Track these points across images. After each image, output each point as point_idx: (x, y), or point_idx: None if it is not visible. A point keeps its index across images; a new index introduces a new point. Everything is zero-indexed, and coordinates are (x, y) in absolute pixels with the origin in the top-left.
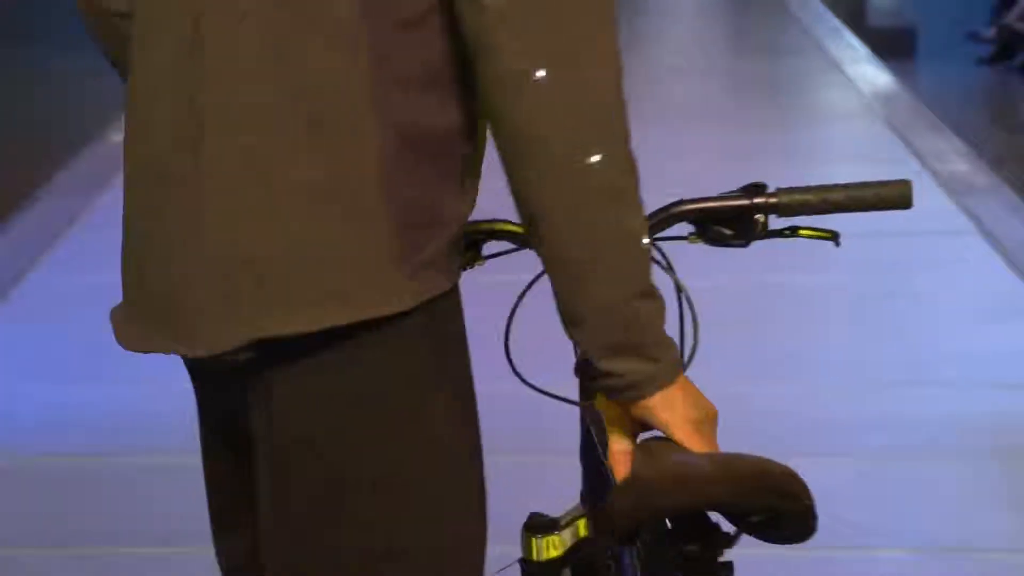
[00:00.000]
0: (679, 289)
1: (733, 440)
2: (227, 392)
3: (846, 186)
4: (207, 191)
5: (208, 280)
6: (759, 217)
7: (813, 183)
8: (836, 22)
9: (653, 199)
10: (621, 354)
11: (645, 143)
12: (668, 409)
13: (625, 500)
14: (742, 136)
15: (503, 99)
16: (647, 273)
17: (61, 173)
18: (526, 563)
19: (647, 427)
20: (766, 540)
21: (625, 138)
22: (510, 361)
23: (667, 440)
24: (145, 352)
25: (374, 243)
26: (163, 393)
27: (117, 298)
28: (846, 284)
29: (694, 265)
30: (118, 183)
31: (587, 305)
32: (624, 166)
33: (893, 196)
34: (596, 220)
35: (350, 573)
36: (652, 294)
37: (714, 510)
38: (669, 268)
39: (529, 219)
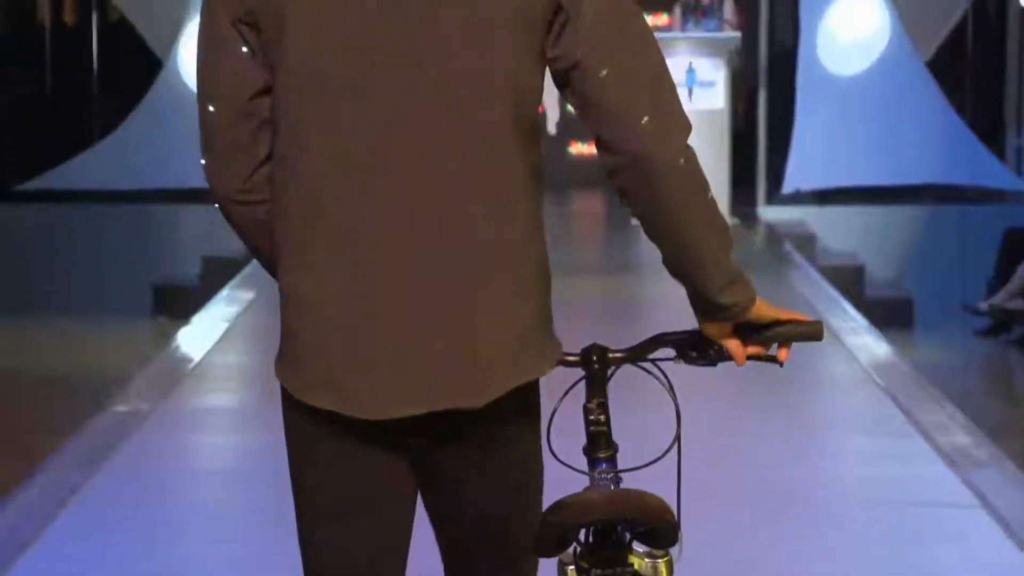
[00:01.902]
0: (674, 399)
1: None
2: (411, 437)
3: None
4: (470, 281)
5: (493, 348)
6: (716, 347)
7: (815, 454)
8: (834, 293)
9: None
10: (733, 284)
11: (643, 409)
12: (762, 310)
13: (553, 517)
14: (739, 406)
15: (624, 140)
16: (728, 228)
17: (63, 444)
18: None
19: (748, 332)
20: (646, 544)
21: (690, 147)
22: (548, 442)
23: (589, 487)
24: (417, 412)
25: (548, 302)
26: None
27: (122, 572)
28: (848, 553)
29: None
30: (121, 453)
31: (712, 261)
32: (696, 162)
33: (808, 332)
34: (703, 197)
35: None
36: (732, 241)
37: (613, 524)
38: (670, 388)
39: (670, 240)
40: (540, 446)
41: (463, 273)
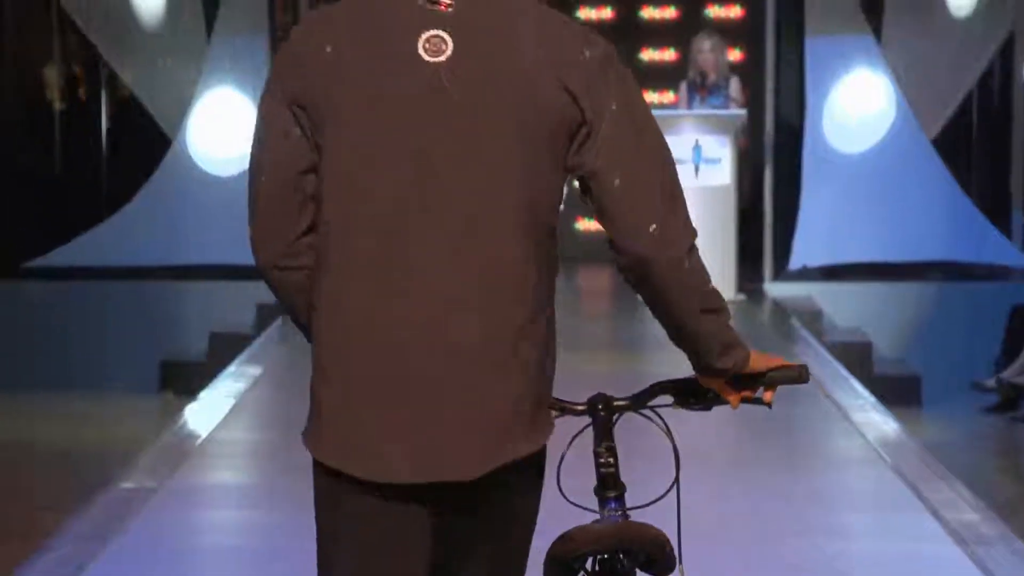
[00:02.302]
0: (672, 441)
1: None
2: (424, 506)
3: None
4: (472, 362)
5: (493, 424)
6: (712, 393)
7: (823, 531)
8: (841, 370)
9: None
10: (729, 350)
11: (648, 486)
12: (755, 362)
13: (561, 546)
14: (749, 482)
15: (633, 244)
16: (725, 302)
17: (70, 521)
18: None
19: (741, 381)
20: (646, 571)
21: (694, 247)
22: (558, 483)
23: (597, 520)
24: (434, 480)
25: (548, 388)
26: None
27: None
28: None
29: None
30: (128, 531)
31: (712, 338)
32: (699, 262)
33: (794, 376)
34: (704, 290)
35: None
36: (728, 312)
37: (616, 552)
38: (668, 432)
39: (675, 325)
40: (538, 506)
41: (469, 354)
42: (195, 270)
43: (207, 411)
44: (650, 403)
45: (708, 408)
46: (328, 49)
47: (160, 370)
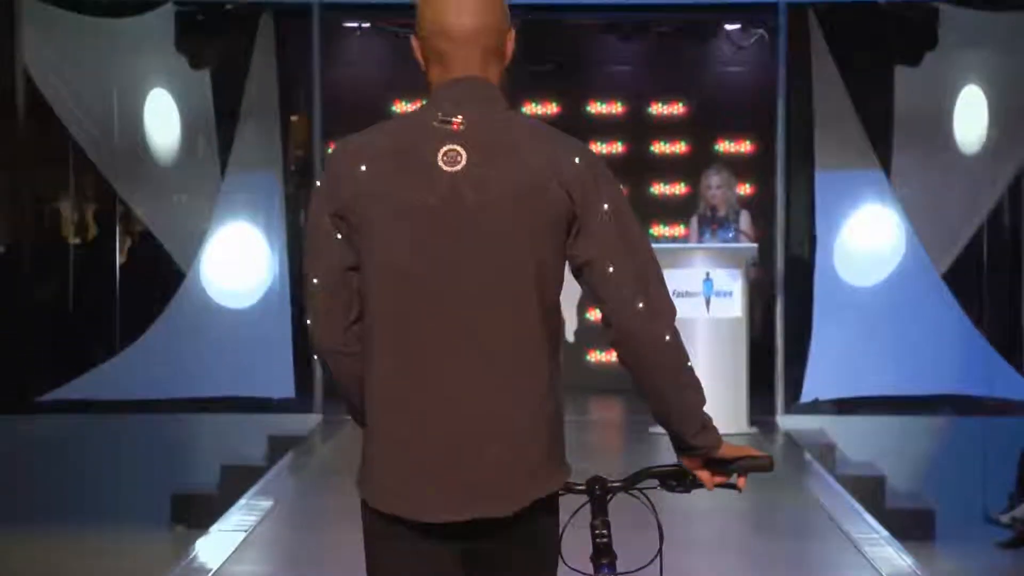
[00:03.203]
0: (656, 517)
1: None
2: (450, 542)
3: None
4: (502, 420)
5: (519, 466)
6: (691, 477)
7: None
8: (854, 503)
9: None
10: (704, 430)
11: (638, 557)
12: (726, 450)
13: None
14: None
15: (622, 320)
16: (702, 387)
17: None
18: None
19: (715, 466)
20: None
21: (674, 326)
22: (559, 551)
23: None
24: (466, 518)
25: (562, 437)
26: None
27: None
28: None
29: None
30: None
31: (689, 413)
32: (679, 337)
33: (760, 465)
34: (683, 365)
35: None
36: (704, 395)
37: None
38: (653, 509)
39: (657, 397)
40: (557, 540)
41: (497, 414)
42: (207, 402)
43: (218, 545)
44: (639, 485)
45: (687, 491)
46: (362, 168)
47: (172, 503)
